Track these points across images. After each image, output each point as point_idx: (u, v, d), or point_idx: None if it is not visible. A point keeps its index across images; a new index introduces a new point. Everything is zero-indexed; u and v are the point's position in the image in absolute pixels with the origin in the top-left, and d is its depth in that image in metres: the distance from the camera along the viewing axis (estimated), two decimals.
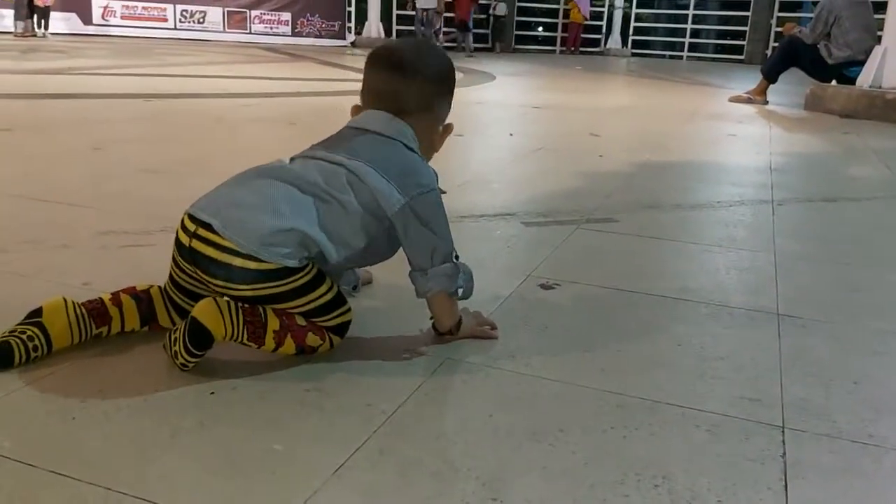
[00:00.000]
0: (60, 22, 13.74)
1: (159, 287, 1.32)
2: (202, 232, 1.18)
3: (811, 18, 6.29)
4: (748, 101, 6.34)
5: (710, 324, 1.51)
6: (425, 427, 1.07)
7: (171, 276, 1.29)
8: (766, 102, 6.29)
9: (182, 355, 1.16)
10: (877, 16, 6.09)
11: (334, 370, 1.22)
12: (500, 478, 0.96)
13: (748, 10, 15.83)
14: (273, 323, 1.19)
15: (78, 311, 1.24)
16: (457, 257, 1.31)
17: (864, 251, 2.15)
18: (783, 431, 1.10)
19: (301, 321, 1.22)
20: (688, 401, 1.17)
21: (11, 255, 1.72)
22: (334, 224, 1.22)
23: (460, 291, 1.31)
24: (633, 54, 16.85)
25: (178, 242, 1.22)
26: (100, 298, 1.28)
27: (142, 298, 1.30)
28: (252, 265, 1.16)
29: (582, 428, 1.09)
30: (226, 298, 1.18)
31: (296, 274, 1.20)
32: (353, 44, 15.29)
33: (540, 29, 18.76)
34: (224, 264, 1.16)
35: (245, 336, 1.17)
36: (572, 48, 16.80)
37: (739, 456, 1.03)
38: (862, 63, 5.79)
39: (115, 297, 1.29)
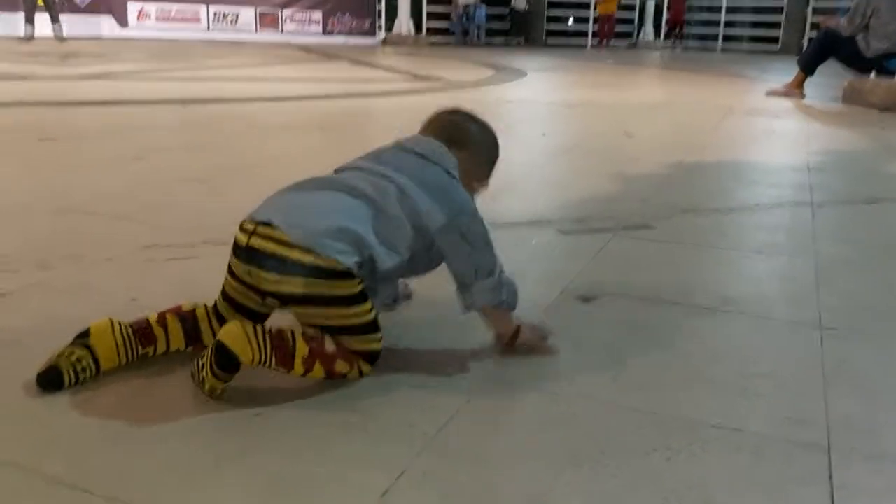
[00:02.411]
0: (98, 25, 13.95)
1: (205, 306, 1.35)
2: (261, 229, 1.22)
3: (848, 9, 6.18)
4: (785, 94, 6.24)
5: (752, 336, 1.50)
6: (467, 449, 1.08)
7: (223, 289, 1.32)
8: (804, 96, 6.19)
9: (209, 379, 1.16)
10: None
11: (377, 389, 1.24)
12: (541, 503, 0.96)
13: (783, 1, 15.57)
14: (302, 349, 1.19)
15: (125, 332, 1.26)
16: (501, 270, 1.34)
17: None
18: (829, 452, 1.09)
19: (330, 347, 1.22)
20: (730, 421, 1.17)
21: (56, 272, 1.75)
22: (383, 229, 1.25)
23: (503, 304, 1.34)
24: (669, 47, 16.66)
25: (235, 245, 1.25)
26: (146, 319, 1.31)
27: (187, 318, 1.32)
28: (307, 259, 1.18)
29: (623, 450, 1.08)
30: (251, 324, 1.19)
31: (347, 279, 1.21)
32: (383, 41, 15.34)
33: (570, 21, 18.59)
34: (281, 257, 1.19)
35: (274, 361, 1.18)
36: (605, 41, 16.59)
37: (784, 479, 1.03)
38: None
39: (161, 317, 1.31)
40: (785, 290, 1.79)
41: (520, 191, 2.76)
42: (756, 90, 6.92)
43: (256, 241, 1.21)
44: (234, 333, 1.16)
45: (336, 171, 1.38)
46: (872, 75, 5.93)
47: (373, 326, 1.27)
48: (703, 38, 16.93)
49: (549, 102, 6.09)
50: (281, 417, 1.15)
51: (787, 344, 1.48)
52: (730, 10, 16.63)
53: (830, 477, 1.03)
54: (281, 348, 1.18)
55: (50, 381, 1.19)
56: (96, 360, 1.23)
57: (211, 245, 1.93)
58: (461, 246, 1.29)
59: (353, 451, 1.07)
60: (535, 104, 5.94)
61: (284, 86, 6.73)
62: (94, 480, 0.98)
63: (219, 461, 1.04)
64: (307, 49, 12.76)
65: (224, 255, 1.80)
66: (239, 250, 1.24)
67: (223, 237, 1.99)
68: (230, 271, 1.28)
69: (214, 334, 1.30)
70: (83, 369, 1.21)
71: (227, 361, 1.15)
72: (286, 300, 1.23)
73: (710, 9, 16.87)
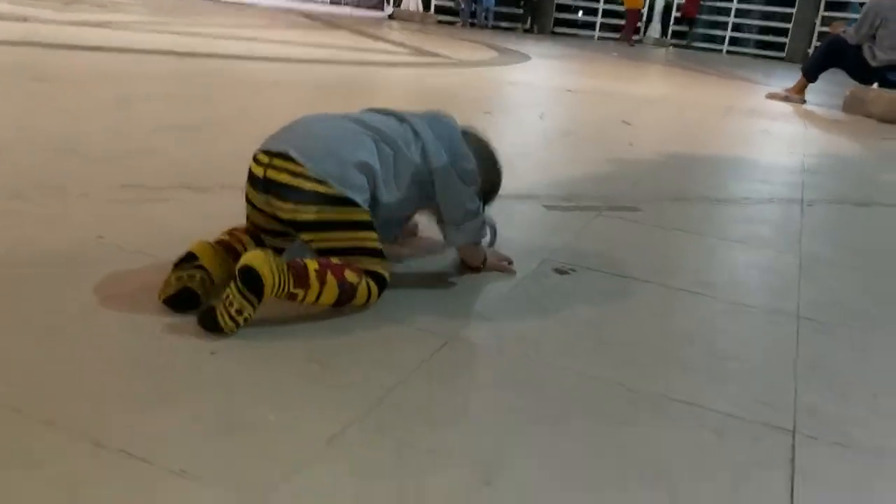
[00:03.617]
0: None
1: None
2: (277, 161, 1.28)
3: (857, 18, 6.14)
4: (786, 98, 6.21)
5: (727, 321, 1.47)
6: (424, 405, 1.05)
7: (247, 216, 1.37)
8: (804, 101, 6.16)
9: (237, 300, 1.15)
10: None
11: (339, 341, 1.21)
12: (495, 462, 0.93)
13: (793, 7, 15.50)
14: (313, 264, 1.24)
15: (220, 252, 1.31)
16: (484, 212, 1.50)
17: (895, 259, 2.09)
18: (794, 436, 1.06)
19: (337, 261, 1.27)
20: (698, 399, 1.14)
21: (32, 204, 1.71)
22: (387, 166, 1.35)
23: (484, 241, 1.55)
24: (673, 45, 16.57)
25: (251, 178, 1.31)
26: (227, 241, 1.34)
27: (255, 235, 1.37)
28: (321, 189, 1.26)
29: (586, 418, 1.06)
30: (270, 251, 1.22)
31: (355, 206, 1.29)
32: (390, 16, 15.22)
33: (580, 13, 18.45)
34: (296, 188, 1.26)
35: (291, 283, 1.20)
36: (632, 39, 15.45)
37: (746, 459, 1.00)
38: None
39: (234, 237, 1.35)
40: (765, 280, 1.76)
41: (511, 167, 2.69)
42: (757, 93, 6.89)
43: (273, 173, 1.27)
44: (255, 256, 1.18)
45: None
46: (875, 86, 5.89)
47: (380, 252, 1.33)
48: (709, 38, 16.84)
49: (551, 87, 6.04)
50: (236, 359, 1.11)
51: (763, 331, 1.45)
52: (739, 13, 16.55)
53: (793, 460, 1.01)
54: (295, 267, 1.21)
55: (188, 302, 1.22)
56: (212, 280, 1.26)
57: (185, 190, 1.89)
58: (458, 186, 1.42)
59: (306, 398, 1.03)
60: (536, 88, 5.89)
61: (283, 48, 6.64)
62: (34, 403, 0.95)
63: (167, 394, 1.00)
64: (312, 16, 12.63)
65: (197, 202, 1.77)
66: (256, 181, 1.30)
67: (199, 184, 1.97)
68: (248, 200, 1.34)
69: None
70: (207, 290, 1.24)
71: (251, 281, 1.16)
72: (301, 227, 1.30)
73: (720, 10, 16.78)
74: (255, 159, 1.30)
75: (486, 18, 15.94)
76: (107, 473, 0.84)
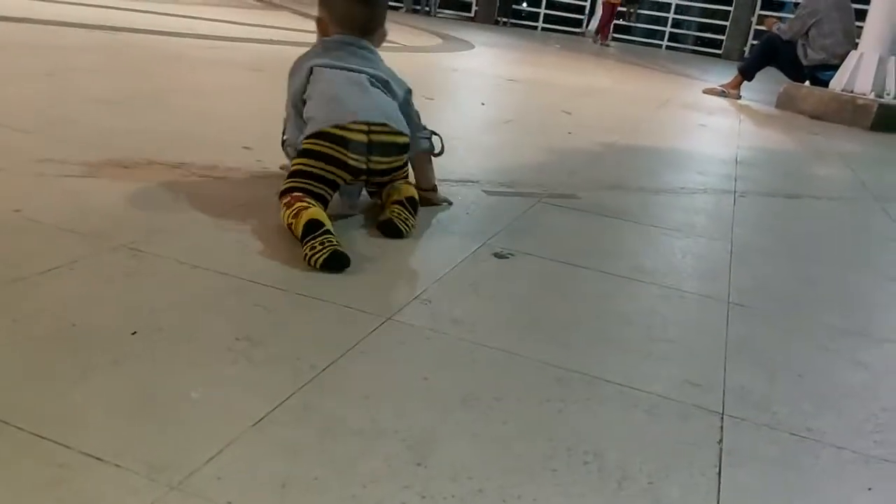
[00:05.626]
0: None
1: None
2: (378, 128, 1.61)
3: (792, 17, 6.29)
4: (722, 93, 6.34)
5: (661, 305, 1.48)
6: (355, 385, 1.02)
7: (314, 175, 1.57)
8: (740, 97, 6.29)
9: (411, 218, 1.65)
10: (858, 24, 6.08)
11: (269, 320, 1.17)
12: (427, 442, 0.91)
13: (730, 6, 15.83)
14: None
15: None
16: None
17: (822, 248, 2.14)
18: (722, 418, 1.07)
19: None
20: (629, 380, 1.14)
21: None
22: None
23: (435, 149, 1.92)
24: (614, 39, 16.74)
25: (349, 143, 1.58)
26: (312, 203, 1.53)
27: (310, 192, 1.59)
28: (405, 140, 1.69)
29: (518, 398, 1.05)
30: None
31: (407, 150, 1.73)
32: None
33: (525, 4, 18.51)
34: (398, 144, 1.67)
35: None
36: (605, 38, 14.04)
37: (675, 439, 1.01)
38: (836, 67, 5.81)
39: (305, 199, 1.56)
40: (698, 267, 1.79)
41: (450, 152, 2.67)
42: (694, 87, 7.01)
43: (378, 137, 1.61)
44: (408, 188, 1.73)
45: (313, 67, 1.67)
46: (807, 84, 6.06)
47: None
48: (650, 34, 17.08)
49: (493, 76, 6.04)
50: (159, 338, 1.07)
51: (694, 315, 1.47)
52: (679, 9, 16.82)
53: (721, 441, 1.02)
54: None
55: (340, 261, 1.39)
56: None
57: (111, 166, 1.82)
58: (411, 110, 1.82)
59: (233, 376, 1.00)
60: (478, 76, 5.87)
61: (222, 26, 6.48)
62: None
63: (85, 372, 0.95)
64: None
65: (123, 178, 1.70)
66: (357, 145, 1.59)
67: (125, 159, 1.90)
68: (333, 161, 1.57)
69: None
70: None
71: (413, 205, 1.69)
72: (390, 172, 1.68)
73: (661, 5, 17.02)
74: (350, 128, 1.57)
75: (428, 5, 15.81)
76: (17, 457, 0.79)
